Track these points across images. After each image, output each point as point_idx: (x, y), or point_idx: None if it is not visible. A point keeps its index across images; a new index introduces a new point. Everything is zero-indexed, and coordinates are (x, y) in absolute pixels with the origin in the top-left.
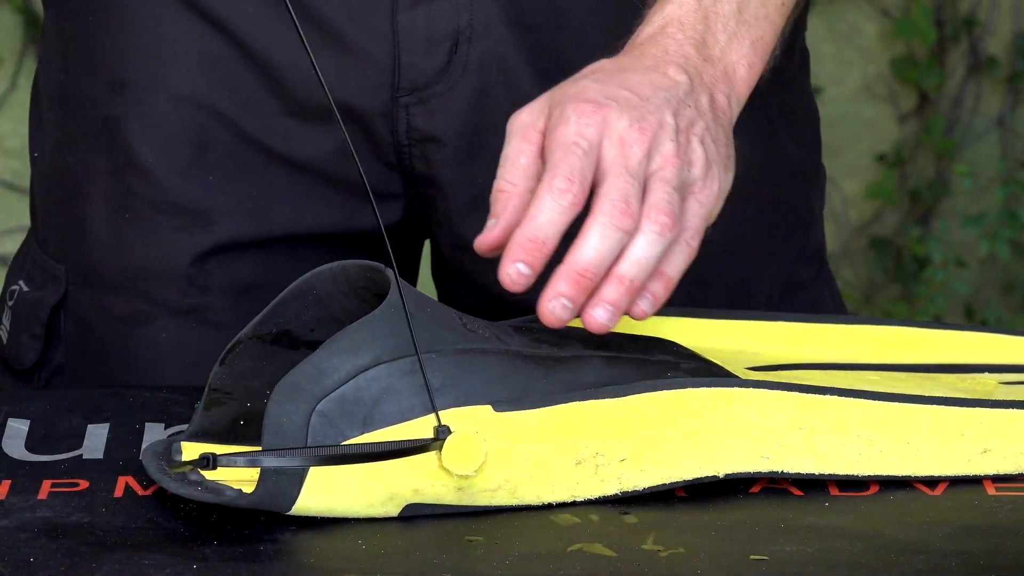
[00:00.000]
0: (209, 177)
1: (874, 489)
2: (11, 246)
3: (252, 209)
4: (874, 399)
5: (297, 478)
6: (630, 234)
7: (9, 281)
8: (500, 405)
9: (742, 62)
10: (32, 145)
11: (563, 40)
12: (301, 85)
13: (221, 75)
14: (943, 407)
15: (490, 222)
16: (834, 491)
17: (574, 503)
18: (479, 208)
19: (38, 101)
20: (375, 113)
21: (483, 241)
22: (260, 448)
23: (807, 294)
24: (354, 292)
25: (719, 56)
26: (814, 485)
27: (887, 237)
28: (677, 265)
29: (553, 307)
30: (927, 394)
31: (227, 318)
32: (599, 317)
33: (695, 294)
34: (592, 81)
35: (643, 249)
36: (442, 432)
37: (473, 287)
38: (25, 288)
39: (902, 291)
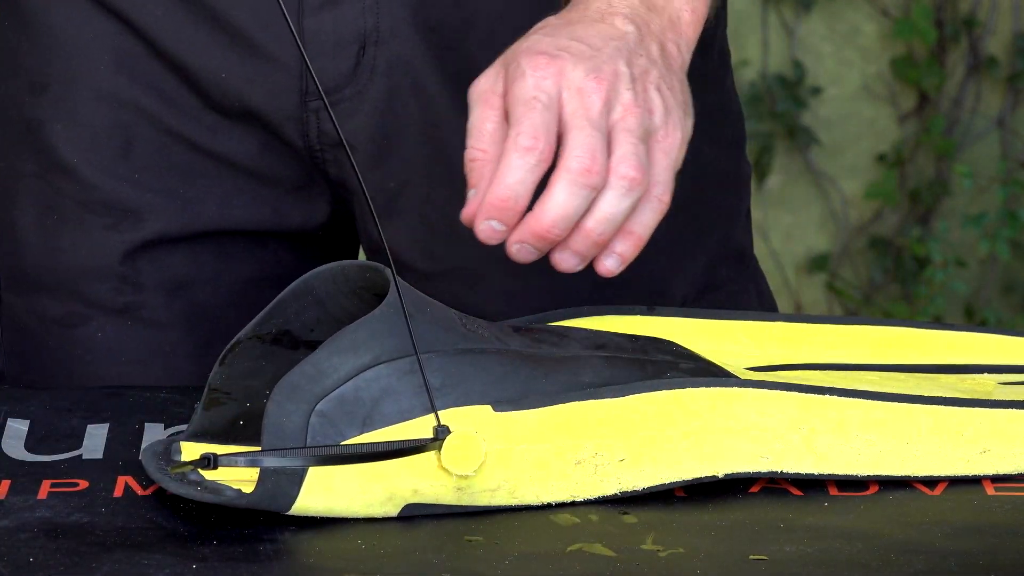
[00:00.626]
0: (135, 175)
1: (874, 489)
2: None
3: (180, 205)
4: (874, 399)
5: (297, 478)
6: (597, 190)
7: None
8: (500, 405)
9: (686, 8)
10: None
11: (471, 43)
12: (215, 87)
13: (141, 73)
14: (942, 407)
15: (470, 192)
16: (834, 491)
17: (573, 503)
18: (391, 213)
19: None
20: (285, 117)
21: (467, 213)
22: (260, 448)
23: (726, 293)
24: (354, 292)
25: (663, 4)
26: (814, 485)
27: (887, 237)
28: (646, 222)
29: (518, 250)
30: (927, 394)
31: (161, 315)
32: (565, 261)
33: (611, 294)
34: (542, 35)
35: (612, 205)
36: (441, 432)
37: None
38: None
39: (902, 291)
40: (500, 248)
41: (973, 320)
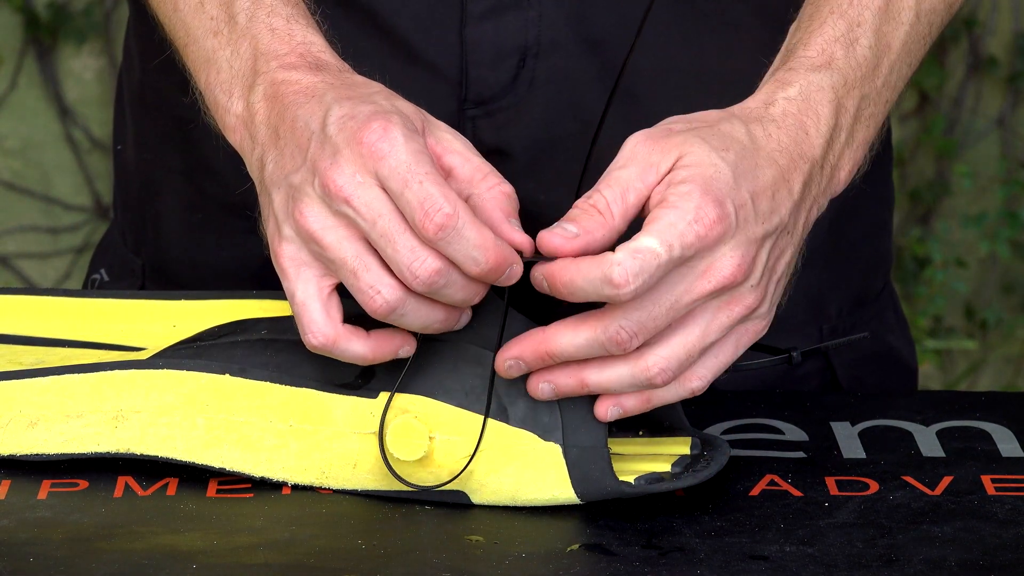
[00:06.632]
0: None
1: (874, 488)
2: (12, 246)
3: None
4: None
5: None
6: (619, 355)
7: (92, 268)
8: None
9: (846, 166)
10: (115, 138)
11: (634, 58)
12: None
13: None
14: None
15: (569, 228)
16: (834, 491)
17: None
18: (543, 225)
19: (121, 96)
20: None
21: (550, 245)
22: None
23: (873, 309)
24: None
25: (833, 162)
26: (814, 485)
27: None
28: (665, 398)
29: (509, 366)
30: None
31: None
32: (540, 391)
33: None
34: (726, 165)
35: (619, 380)
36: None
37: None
38: (106, 278)
39: (902, 291)
40: None
41: (973, 320)
